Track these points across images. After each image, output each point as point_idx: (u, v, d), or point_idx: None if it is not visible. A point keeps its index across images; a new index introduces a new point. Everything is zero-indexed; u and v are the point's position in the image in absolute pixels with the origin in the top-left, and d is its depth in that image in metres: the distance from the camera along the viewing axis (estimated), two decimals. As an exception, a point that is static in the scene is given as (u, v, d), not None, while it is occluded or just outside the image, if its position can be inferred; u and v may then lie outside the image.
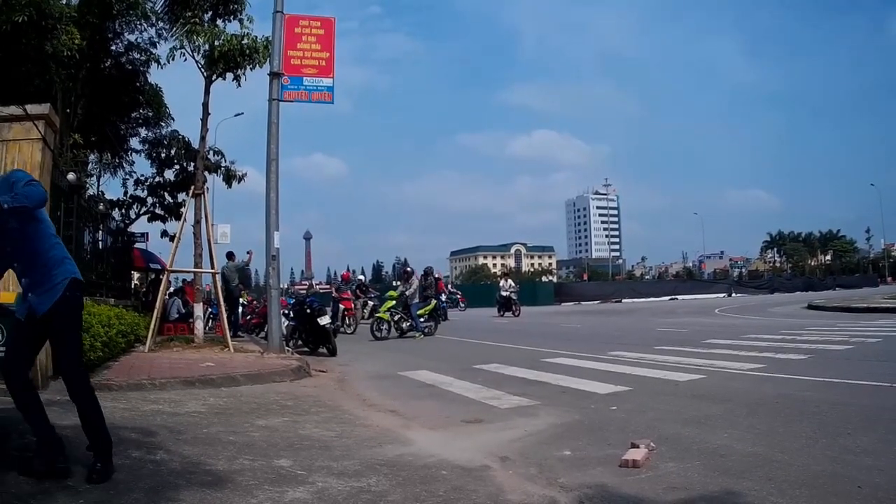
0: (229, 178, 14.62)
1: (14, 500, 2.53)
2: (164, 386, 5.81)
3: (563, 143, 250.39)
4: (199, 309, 10.60)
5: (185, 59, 10.09)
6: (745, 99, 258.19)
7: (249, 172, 15.16)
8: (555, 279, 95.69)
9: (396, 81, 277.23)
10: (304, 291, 14.58)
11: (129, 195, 17.42)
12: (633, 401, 5.11)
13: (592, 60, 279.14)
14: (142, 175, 17.11)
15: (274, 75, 9.51)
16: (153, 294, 12.86)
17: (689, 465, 3.22)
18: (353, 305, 16.98)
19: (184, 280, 17.75)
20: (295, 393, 5.99)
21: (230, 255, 13.75)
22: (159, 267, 16.14)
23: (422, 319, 13.40)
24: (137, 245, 18.53)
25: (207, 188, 11.31)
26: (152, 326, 9.19)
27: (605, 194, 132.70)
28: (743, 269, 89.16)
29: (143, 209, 17.37)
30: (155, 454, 3.34)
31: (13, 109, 5.11)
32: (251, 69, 10.07)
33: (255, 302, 19.78)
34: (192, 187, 10.45)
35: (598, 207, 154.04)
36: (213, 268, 10.19)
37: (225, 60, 9.79)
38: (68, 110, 11.97)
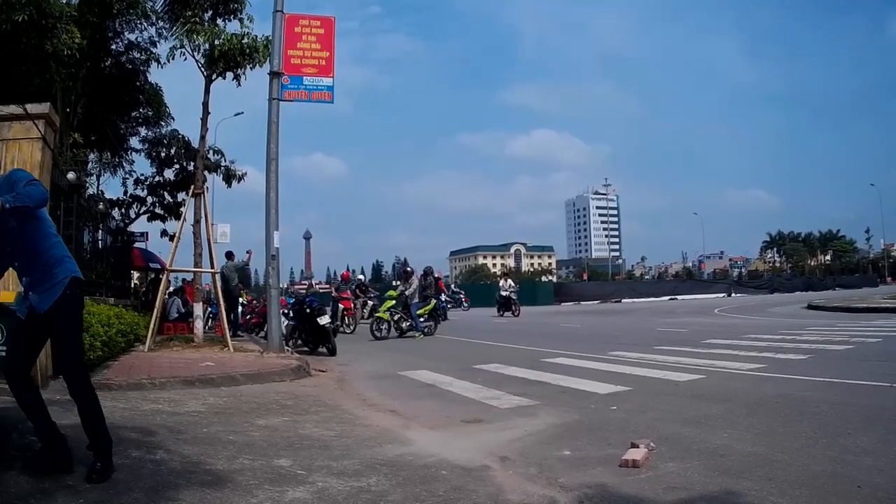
0: (229, 177, 14.65)
1: (14, 500, 2.53)
2: (164, 385, 5.81)
3: (563, 143, 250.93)
4: (198, 308, 10.60)
5: (185, 59, 10.10)
6: (745, 99, 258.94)
7: (249, 172, 15.22)
8: (554, 279, 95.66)
9: (396, 81, 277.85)
10: (304, 291, 14.55)
11: (128, 194, 17.46)
12: (632, 401, 5.11)
13: (592, 60, 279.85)
14: (141, 174, 17.17)
15: (274, 74, 9.51)
16: (153, 293, 12.86)
17: (689, 464, 3.22)
18: (352, 305, 16.99)
19: (183, 279, 17.78)
20: (295, 392, 5.99)
21: (229, 255, 13.75)
22: (159, 266, 16.17)
23: (421, 319, 13.40)
24: (137, 244, 18.57)
25: (207, 188, 11.33)
26: (152, 326, 9.19)
27: (604, 194, 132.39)
28: (743, 269, 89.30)
29: (143, 209, 17.38)
30: (155, 454, 3.34)
31: (13, 108, 5.10)
32: (251, 68, 10.08)
33: (254, 301, 19.78)
34: (192, 187, 10.45)
35: (597, 207, 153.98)
36: (212, 267, 10.19)
37: (225, 60, 9.79)
38: (68, 109, 11.97)
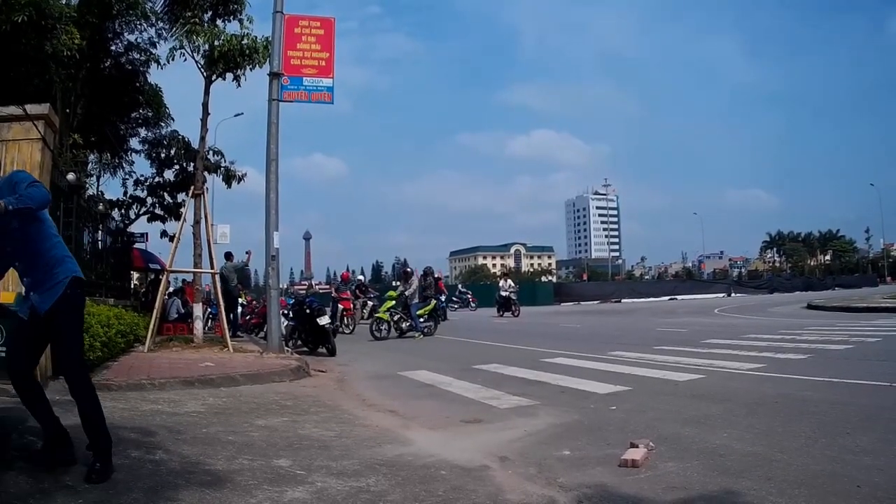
0: (229, 178, 14.63)
1: (14, 500, 2.53)
2: (164, 386, 5.81)
3: (563, 143, 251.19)
4: (198, 309, 10.60)
5: (185, 59, 10.10)
6: (745, 99, 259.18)
7: (249, 172, 15.19)
8: (554, 279, 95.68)
9: (396, 81, 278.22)
10: (304, 291, 14.59)
11: (128, 195, 17.44)
12: (632, 401, 5.11)
13: (592, 60, 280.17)
14: (141, 175, 17.16)
15: (274, 75, 9.51)
16: (152, 294, 12.86)
17: (689, 464, 3.23)
18: (352, 305, 16.99)
19: (183, 280, 17.79)
20: (294, 393, 5.99)
21: (228, 256, 13.74)
22: (159, 267, 16.15)
23: (421, 319, 13.40)
24: (137, 245, 18.54)
25: (207, 188, 11.34)
26: (151, 326, 9.19)
27: (604, 194, 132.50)
28: (742, 269, 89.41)
29: (143, 209, 17.38)
30: (154, 454, 3.34)
31: (13, 109, 5.11)
32: (251, 69, 10.07)
33: (254, 302, 19.78)
34: (192, 187, 10.44)
35: (597, 207, 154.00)
36: (212, 268, 10.19)
37: (225, 60, 9.78)
38: (68, 110, 11.98)
